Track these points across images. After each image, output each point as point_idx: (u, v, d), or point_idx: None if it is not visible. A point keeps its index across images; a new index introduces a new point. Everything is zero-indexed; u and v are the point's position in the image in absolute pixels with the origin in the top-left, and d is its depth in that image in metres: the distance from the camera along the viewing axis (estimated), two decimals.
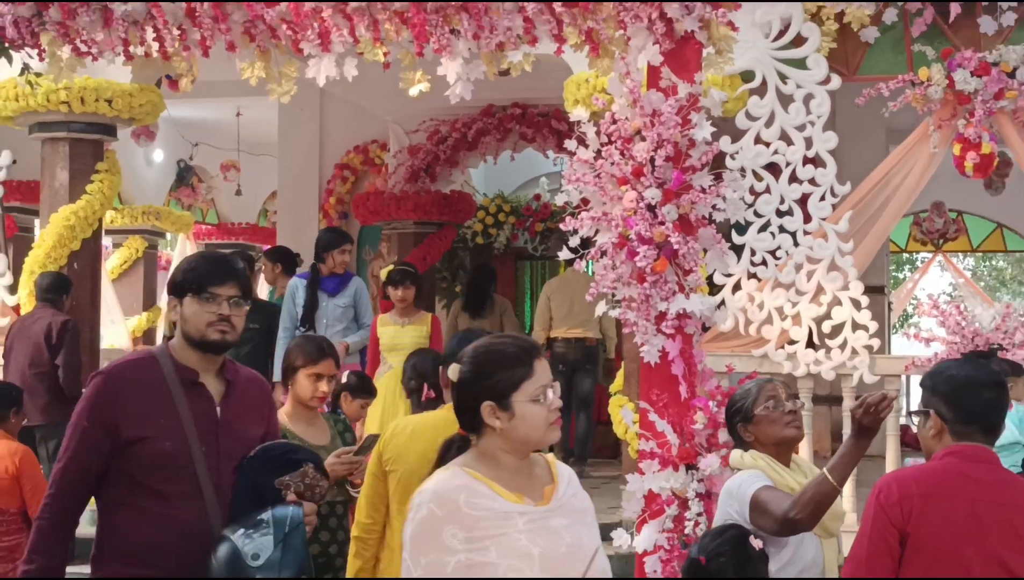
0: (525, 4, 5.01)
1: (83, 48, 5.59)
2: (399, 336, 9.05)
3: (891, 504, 3.65)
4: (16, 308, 8.61)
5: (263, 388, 4.22)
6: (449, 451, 3.20)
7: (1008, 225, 17.76)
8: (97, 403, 3.62)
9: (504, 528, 2.94)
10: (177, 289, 3.70)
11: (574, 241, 5.19)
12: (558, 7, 5.05)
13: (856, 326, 7.63)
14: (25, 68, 6.24)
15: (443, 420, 4.16)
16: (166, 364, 3.66)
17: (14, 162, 8.98)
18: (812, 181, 7.64)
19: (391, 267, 9.80)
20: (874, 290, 8.92)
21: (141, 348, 12.46)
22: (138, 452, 3.56)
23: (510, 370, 3.07)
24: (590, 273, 10.61)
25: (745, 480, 4.44)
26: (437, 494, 2.95)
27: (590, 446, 11.19)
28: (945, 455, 3.72)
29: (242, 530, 3.49)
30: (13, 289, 8.82)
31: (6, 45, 5.50)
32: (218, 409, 3.74)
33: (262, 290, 12.49)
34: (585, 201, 5.17)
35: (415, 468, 4.24)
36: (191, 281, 3.68)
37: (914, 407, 4.24)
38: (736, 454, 4.72)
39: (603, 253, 5.10)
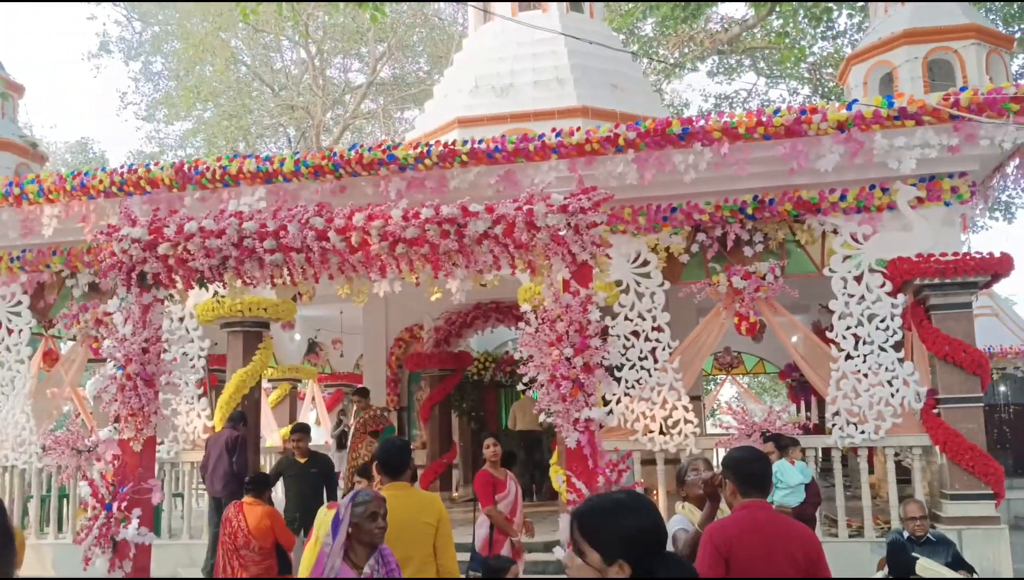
0: (493, 249, 4.94)
1: (248, 281, 5.48)
2: None
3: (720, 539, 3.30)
4: (212, 428, 8.30)
5: None
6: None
7: (766, 358, 17.84)
8: None
9: None
10: None
11: (527, 378, 5.02)
12: (511, 249, 4.98)
13: (686, 421, 7.43)
14: (215, 293, 6.12)
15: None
16: None
17: (214, 344, 8.79)
18: (657, 340, 7.53)
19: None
20: (695, 398, 8.71)
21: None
22: None
23: None
24: (534, 397, 10.69)
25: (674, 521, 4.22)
26: None
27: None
28: (739, 509, 3.32)
29: None
30: (211, 417, 8.52)
31: (204, 280, 5.38)
32: None
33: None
34: (531, 356, 5.02)
35: None
36: None
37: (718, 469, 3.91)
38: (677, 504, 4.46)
39: (542, 385, 4.93)
